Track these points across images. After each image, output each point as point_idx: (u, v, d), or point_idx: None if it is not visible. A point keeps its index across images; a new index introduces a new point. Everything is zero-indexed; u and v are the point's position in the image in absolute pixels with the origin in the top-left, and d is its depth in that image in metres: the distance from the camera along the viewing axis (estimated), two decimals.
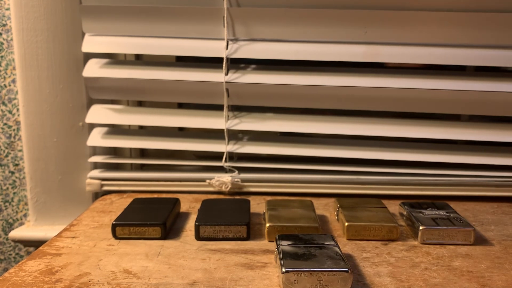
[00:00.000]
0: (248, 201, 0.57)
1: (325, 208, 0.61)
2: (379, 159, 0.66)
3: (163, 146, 0.68)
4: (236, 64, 0.67)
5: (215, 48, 0.63)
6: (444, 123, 0.67)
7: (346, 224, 0.50)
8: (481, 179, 0.65)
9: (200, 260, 0.45)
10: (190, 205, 0.62)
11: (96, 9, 0.63)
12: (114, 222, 0.50)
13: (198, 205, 0.60)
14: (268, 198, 0.65)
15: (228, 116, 0.66)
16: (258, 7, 0.62)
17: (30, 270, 0.43)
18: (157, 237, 0.50)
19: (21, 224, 0.77)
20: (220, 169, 0.68)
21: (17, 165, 0.75)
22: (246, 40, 0.63)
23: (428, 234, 0.49)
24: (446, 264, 0.44)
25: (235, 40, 0.63)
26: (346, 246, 0.49)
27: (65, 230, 0.53)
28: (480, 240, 0.50)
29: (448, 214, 0.52)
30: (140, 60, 0.72)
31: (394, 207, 0.60)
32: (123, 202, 0.64)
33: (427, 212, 0.53)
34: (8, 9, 0.70)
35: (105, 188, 0.68)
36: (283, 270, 0.38)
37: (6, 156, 0.75)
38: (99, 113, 0.68)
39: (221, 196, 0.67)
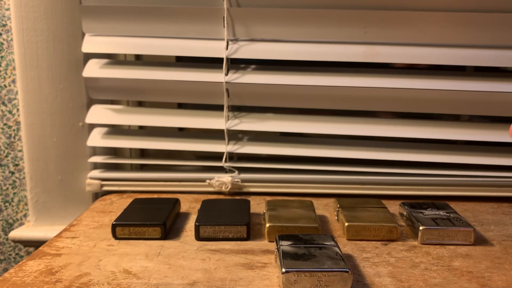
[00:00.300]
0: (248, 201, 0.57)
1: (325, 208, 0.61)
2: (379, 159, 0.66)
3: (163, 146, 0.68)
4: (236, 64, 0.67)
5: (215, 48, 0.63)
6: (444, 123, 0.67)
7: (346, 224, 0.50)
8: (481, 179, 0.65)
9: (200, 260, 0.45)
10: (190, 205, 0.62)
11: (96, 9, 0.63)
12: (114, 222, 0.50)
13: (198, 205, 0.60)
14: (268, 198, 0.65)
15: (228, 116, 0.66)
16: (258, 7, 0.62)
17: (30, 270, 0.43)
18: (157, 237, 0.50)
19: (21, 224, 0.77)
20: (220, 169, 0.68)
21: (17, 165, 0.75)
22: (246, 40, 0.63)
23: (428, 234, 0.49)
24: (446, 264, 0.44)
25: (235, 40, 0.63)
26: (346, 246, 0.49)
27: (65, 230, 0.53)
28: (480, 240, 0.50)
29: (448, 214, 0.52)
30: (140, 60, 0.72)
31: (394, 207, 0.60)
32: (123, 202, 0.64)
33: (427, 212, 0.53)
34: (8, 9, 0.70)
35: (105, 188, 0.68)
36: (283, 270, 0.38)
37: (6, 156, 0.75)
38: (99, 113, 0.68)
39: (221, 196, 0.67)
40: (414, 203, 0.57)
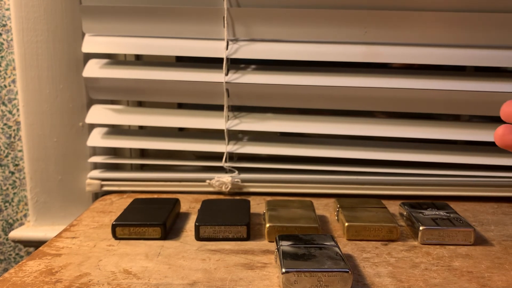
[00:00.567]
0: (248, 201, 0.57)
1: (325, 208, 0.61)
2: (379, 159, 0.66)
3: (163, 146, 0.68)
4: (236, 64, 0.67)
5: (215, 48, 0.63)
6: (443, 123, 0.67)
7: (346, 224, 0.50)
8: (481, 179, 0.65)
9: (200, 260, 0.45)
10: (190, 205, 0.62)
11: (96, 9, 0.63)
12: (114, 223, 0.50)
13: (198, 205, 0.60)
14: (268, 198, 0.65)
15: (228, 116, 0.66)
16: (258, 7, 0.62)
17: (30, 270, 0.43)
18: (157, 237, 0.50)
19: (21, 224, 0.77)
20: (220, 169, 0.68)
21: (17, 165, 0.75)
22: (246, 40, 0.63)
23: (428, 235, 0.49)
24: (446, 265, 0.44)
25: (235, 40, 0.63)
26: (346, 247, 0.49)
27: (65, 230, 0.53)
28: (480, 241, 0.50)
29: (448, 215, 0.52)
30: (140, 60, 0.72)
31: (394, 207, 0.60)
32: (123, 203, 0.64)
33: (427, 212, 0.53)
34: (8, 9, 0.70)
35: (105, 188, 0.68)
36: (283, 270, 0.38)
37: (6, 156, 0.75)
38: (99, 113, 0.68)
39: (221, 196, 0.67)
40: (414, 203, 0.57)
